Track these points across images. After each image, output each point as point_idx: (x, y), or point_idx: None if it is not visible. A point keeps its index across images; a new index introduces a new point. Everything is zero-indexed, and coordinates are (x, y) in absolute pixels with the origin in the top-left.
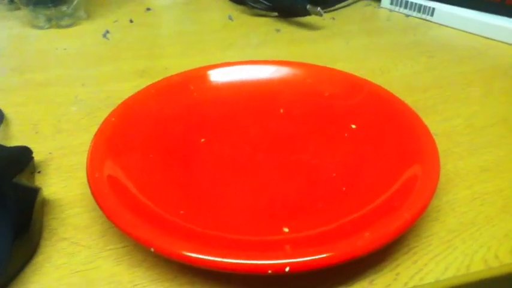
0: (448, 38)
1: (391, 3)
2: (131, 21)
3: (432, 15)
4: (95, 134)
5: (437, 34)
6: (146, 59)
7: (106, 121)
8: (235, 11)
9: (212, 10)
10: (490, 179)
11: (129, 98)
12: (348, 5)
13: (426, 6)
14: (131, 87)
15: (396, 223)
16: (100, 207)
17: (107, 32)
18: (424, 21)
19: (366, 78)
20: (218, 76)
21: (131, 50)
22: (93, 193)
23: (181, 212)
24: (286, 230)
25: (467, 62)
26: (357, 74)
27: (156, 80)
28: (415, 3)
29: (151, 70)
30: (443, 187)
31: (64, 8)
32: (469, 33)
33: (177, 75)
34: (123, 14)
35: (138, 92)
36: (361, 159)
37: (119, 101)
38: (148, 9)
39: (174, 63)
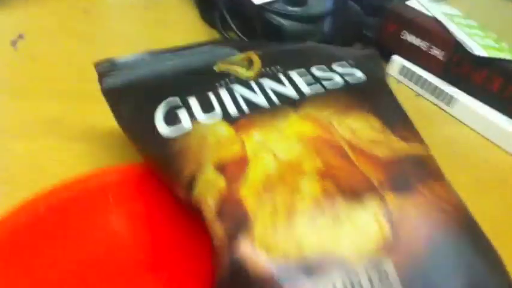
0: (465, 143)
1: (400, 73)
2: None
3: (449, 104)
4: None
5: (453, 133)
6: (65, 97)
7: None
8: (204, 34)
9: (177, 31)
10: None
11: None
12: None
13: (443, 91)
14: (33, 151)
15: None
16: None
17: (20, 36)
18: (439, 109)
19: None
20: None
21: (46, 77)
22: None
23: None
24: None
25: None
26: None
27: (74, 135)
28: (429, 82)
29: (67, 120)
30: None
31: None
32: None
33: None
34: (50, 10)
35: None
36: None
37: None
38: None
39: (102, 109)
